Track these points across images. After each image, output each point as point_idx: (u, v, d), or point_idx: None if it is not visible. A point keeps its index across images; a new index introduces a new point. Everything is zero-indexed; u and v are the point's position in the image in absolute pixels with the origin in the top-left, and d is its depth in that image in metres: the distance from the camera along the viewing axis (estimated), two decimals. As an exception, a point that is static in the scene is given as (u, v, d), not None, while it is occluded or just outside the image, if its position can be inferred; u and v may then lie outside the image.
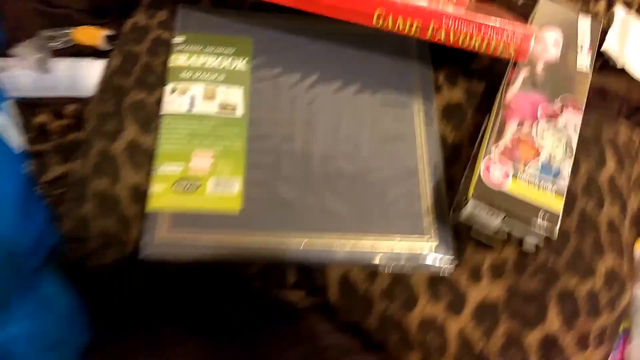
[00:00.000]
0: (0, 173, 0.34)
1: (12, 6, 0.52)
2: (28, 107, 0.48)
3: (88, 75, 0.48)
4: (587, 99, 0.43)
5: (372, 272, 0.39)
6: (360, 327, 0.39)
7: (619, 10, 0.54)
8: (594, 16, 0.53)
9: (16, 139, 0.36)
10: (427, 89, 0.46)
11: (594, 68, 0.46)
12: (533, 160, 0.39)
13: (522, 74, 0.44)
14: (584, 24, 0.49)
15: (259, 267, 0.39)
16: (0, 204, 0.34)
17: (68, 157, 0.47)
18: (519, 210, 0.36)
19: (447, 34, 0.42)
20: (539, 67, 0.45)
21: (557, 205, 0.37)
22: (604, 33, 0.51)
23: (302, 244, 0.38)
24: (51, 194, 0.45)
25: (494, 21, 0.41)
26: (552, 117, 0.42)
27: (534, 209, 0.36)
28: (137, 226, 0.39)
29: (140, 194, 0.40)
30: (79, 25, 0.52)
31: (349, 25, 0.42)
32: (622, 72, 0.53)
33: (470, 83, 0.48)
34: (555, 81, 0.44)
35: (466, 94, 0.47)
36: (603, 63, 0.53)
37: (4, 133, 0.35)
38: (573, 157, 0.40)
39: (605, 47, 0.51)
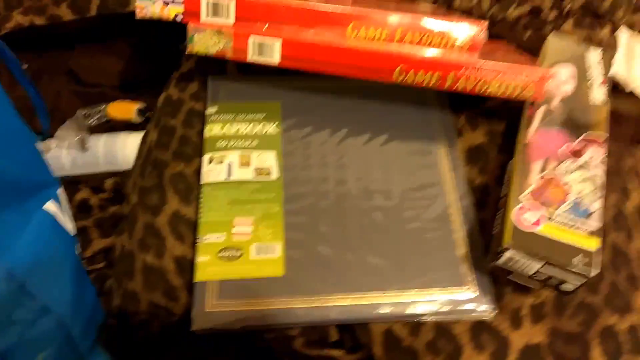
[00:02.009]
0: (58, 257, 0.36)
1: (49, 89, 0.56)
2: (69, 184, 0.50)
3: (124, 149, 0.51)
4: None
5: (415, 325, 0.39)
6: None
7: (623, 34, 0.55)
8: (600, 43, 0.54)
9: (69, 224, 0.39)
10: (450, 134, 0.48)
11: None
12: (563, 201, 0.40)
13: (540, 112, 0.45)
14: (594, 56, 0.50)
15: (302, 327, 0.40)
16: (59, 287, 0.36)
17: (109, 231, 0.49)
18: (556, 254, 0.37)
19: (466, 83, 0.43)
20: (555, 104, 0.46)
21: (593, 245, 0.38)
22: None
23: (344, 303, 0.39)
24: (93, 268, 0.47)
25: (509, 66, 0.43)
26: (576, 154, 0.43)
27: (570, 252, 0.37)
28: (184, 296, 0.41)
29: (185, 265, 0.41)
30: (112, 101, 0.55)
31: (370, 81, 0.45)
32: (632, 95, 0.54)
33: (489, 124, 0.49)
34: (574, 117, 0.45)
35: (487, 135, 0.48)
36: (612, 87, 0.54)
37: (58, 219, 0.37)
38: (603, 195, 0.41)
39: (612, 72, 0.52)
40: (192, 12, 0.44)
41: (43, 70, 0.57)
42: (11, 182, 0.34)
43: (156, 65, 0.58)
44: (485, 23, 0.47)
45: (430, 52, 0.44)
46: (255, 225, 0.42)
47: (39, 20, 0.55)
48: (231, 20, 0.44)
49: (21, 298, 0.32)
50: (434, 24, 0.46)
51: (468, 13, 0.56)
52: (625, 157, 0.48)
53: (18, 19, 0.55)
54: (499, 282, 0.41)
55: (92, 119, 0.54)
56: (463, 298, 0.40)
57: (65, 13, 0.55)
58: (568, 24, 0.54)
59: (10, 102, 0.36)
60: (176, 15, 0.44)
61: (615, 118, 0.53)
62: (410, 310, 0.39)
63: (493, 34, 0.56)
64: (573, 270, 0.37)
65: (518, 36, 0.56)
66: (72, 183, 0.50)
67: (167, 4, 0.43)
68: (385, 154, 0.46)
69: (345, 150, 0.46)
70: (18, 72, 0.42)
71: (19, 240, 0.34)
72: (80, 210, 0.49)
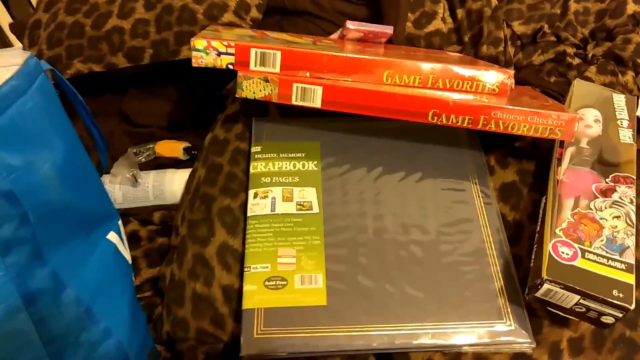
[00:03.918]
0: (119, 284, 0.39)
1: (102, 129, 0.60)
2: (120, 217, 0.53)
3: (172, 184, 0.54)
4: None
5: (455, 355, 0.40)
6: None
7: (646, 77, 0.58)
8: (623, 86, 0.57)
9: (127, 253, 0.41)
10: (482, 173, 0.50)
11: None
12: (597, 237, 0.41)
13: (569, 152, 0.48)
14: (619, 99, 0.53)
15: (342, 357, 0.42)
16: (119, 312, 0.38)
17: (156, 261, 0.51)
18: (594, 286, 0.38)
19: (497, 124, 0.46)
20: (583, 145, 0.48)
21: (629, 279, 0.39)
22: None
23: (385, 332, 0.40)
24: (142, 296, 0.50)
25: (538, 110, 0.45)
26: (608, 191, 0.44)
27: (608, 284, 0.38)
28: (230, 324, 0.42)
29: (232, 294, 0.43)
30: (160, 140, 0.59)
31: (404, 121, 0.47)
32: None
33: (519, 163, 0.51)
34: (602, 157, 0.47)
35: (518, 174, 0.50)
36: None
37: (119, 249, 0.40)
38: (635, 230, 0.42)
39: (638, 112, 0.55)
40: (242, 61, 0.48)
41: (97, 112, 0.62)
42: (80, 214, 0.37)
43: (199, 108, 0.63)
44: (512, 71, 0.50)
45: (461, 97, 0.47)
46: (298, 256, 0.44)
47: (97, 68, 0.60)
48: (277, 69, 0.48)
49: (87, 321, 0.35)
50: (464, 71, 0.49)
51: (494, 59, 0.60)
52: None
53: (78, 66, 0.60)
54: (536, 315, 0.42)
55: (141, 157, 0.58)
56: (500, 330, 0.40)
57: (120, 61, 0.60)
58: (591, 70, 0.57)
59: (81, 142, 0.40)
60: (228, 64, 0.48)
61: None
62: (449, 341, 0.40)
63: (519, 79, 0.59)
64: (613, 302, 0.38)
65: (543, 82, 0.59)
66: (122, 216, 0.53)
67: (219, 54, 0.48)
68: (420, 190, 0.49)
69: (381, 187, 0.49)
70: (85, 113, 0.47)
71: (85, 267, 0.36)
72: (130, 241, 0.52)
